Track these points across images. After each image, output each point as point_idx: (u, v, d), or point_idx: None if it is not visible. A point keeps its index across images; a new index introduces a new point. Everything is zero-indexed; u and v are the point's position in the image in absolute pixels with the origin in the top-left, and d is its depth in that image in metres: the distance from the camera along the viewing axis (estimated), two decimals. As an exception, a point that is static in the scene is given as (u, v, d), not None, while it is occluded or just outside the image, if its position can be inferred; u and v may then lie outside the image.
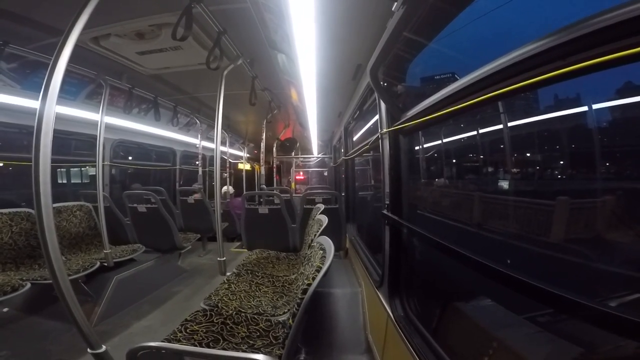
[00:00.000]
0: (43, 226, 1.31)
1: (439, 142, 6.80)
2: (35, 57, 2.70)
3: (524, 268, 0.94)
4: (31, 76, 3.10)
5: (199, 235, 4.98)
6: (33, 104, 3.19)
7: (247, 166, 9.67)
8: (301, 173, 12.96)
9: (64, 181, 5.22)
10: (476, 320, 1.81)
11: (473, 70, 1.18)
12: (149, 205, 3.85)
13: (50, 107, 1.32)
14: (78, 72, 3.12)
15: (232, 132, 7.78)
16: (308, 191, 5.58)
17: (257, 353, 1.57)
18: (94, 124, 3.57)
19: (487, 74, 1.09)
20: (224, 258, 2.79)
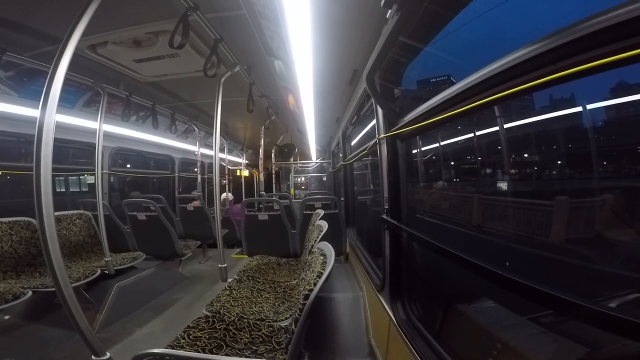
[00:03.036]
0: (45, 235, 1.32)
1: (437, 145, 6.83)
2: (33, 65, 2.71)
3: (523, 269, 0.95)
4: (28, 84, 3.10)
5: (199, 242, 4.97)
6: (30, 112, 3.20)
7: (246, 172, 9.68)
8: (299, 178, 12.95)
9: (63, 190, 5.21)
10: (479, 322, 1.81)
11: (468, 71, 1.19)
12: (148, 213, 3.85)
13: (50, 116, 1.33)
14: (75, 79, 3.11)
15: (231, 139, 7.79)
16: (307, 197, 5.59)
17: (261, 358, 1.58)
18: (91, 132, 3.58)
19: (482, 79, 1.10)
20: (225, 264, 2.79)
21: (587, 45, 0.71)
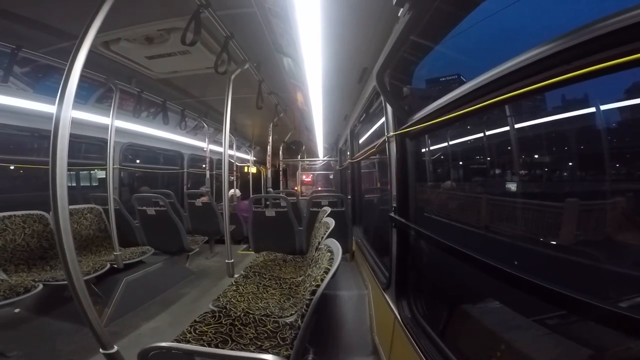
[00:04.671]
0: (59, 228, 1.34)
1: (446, 144, 6.78)
2: (48, 62, 2.75)
3: (530, 269, 0.94)
4: (43, 80, 3.15)
5: (206, 238, 5.02)
6: (44, 107, 3.25)
7: (254, 169, 9.72)
8: (308, 175, 12.98)
9: (73, 184, 5.29)
10: (484, 322, 1.81)
11: (479, 70, 1.19)
12: (157, 208, 3.90)
13: (67, 111, 1.35)
14: (89, 76, 3.15)
15: (239, 136, 7.84)
16: (314, 194, 5.59)
17: (266, 354, 1.59)
18: (103, 128, 3.63)
19: (494, 77, 1.10)
20: (232, 260, 2.81)
21: (603, 44, 0.71)
